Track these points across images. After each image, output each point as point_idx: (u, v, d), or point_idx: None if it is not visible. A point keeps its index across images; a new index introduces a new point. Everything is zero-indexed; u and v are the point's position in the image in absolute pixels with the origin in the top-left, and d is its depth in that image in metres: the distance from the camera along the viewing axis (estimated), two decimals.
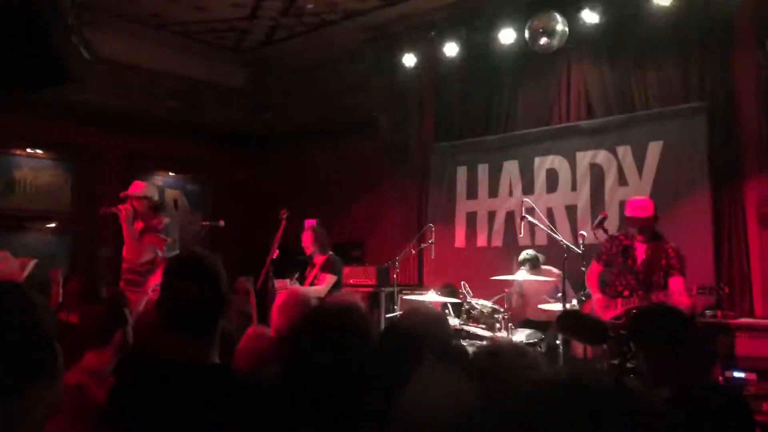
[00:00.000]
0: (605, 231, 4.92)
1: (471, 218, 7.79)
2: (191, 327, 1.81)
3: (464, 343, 5.44)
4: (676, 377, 2.39)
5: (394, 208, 8.40)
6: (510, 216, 7.32)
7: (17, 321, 1.16)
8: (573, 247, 5.23)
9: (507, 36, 6.84)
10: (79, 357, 2.85)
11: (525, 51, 6.82)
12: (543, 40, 6.48)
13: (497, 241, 7.51)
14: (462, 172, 7.90)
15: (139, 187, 5.96)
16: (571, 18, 6.46)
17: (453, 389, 1.60)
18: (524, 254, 6.13)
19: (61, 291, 4.31)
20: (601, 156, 6.78)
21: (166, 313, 1.86)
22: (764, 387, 4.97)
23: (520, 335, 5.66)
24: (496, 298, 6.07)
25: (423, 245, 6.89)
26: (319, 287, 5.90)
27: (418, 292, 6.56)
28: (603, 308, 4.86)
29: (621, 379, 0.76)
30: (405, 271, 7.78)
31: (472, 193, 7.81)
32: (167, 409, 1.70)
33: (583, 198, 6.87)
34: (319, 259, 6.18)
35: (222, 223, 6.51)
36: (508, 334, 5.50)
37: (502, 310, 5.75)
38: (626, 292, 4.76)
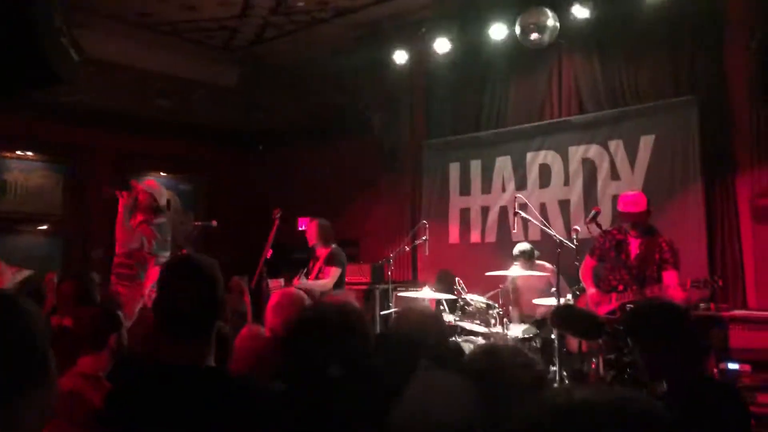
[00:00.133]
0: (598, 226, 4.93)
1: (464, 214, 7.80)
2: (188, 329, 1.81)
3: (459, 340, 5.46)
4: (673, 371, 2.40)
5: (388, 205, 8.39)
6: (503, 212, 7.33)
7: (6, 329, 1.14)
8: (566, 241, 5.24)
9: (498, 32, 6.84)
10: (74, 361, 2.83)
11: (516, 46, 6.81)
12: (534, 36, 6.49)
13: (491, 237, 7.52)
14: (455, 169, 7.90)
15: (151, 184, 5.96)
16: (562, 13, 6.46)
17: (451, 393, 1.60)
18: (518, 247, 6.14)
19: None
20: (594, 151, 6.80)
21: (163, 315, 1.86)
22: (759, 378, 5.00)
23: (515, 330, 5.67)
24: (490, 293, 6.08)
25: (417, 242, 6.89)
26: (324, 281, 5.94)
27: (412, 288, 6.57)
28: (597, 303, 4.87)
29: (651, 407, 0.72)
30: (399, 268, 7.78)
31: (465, 190, 7.81)
32: (164, 413, 1.70)
33: (575, 193, 6.88)
34: (322, 252, 6.19)
35: (214, 223, 6.48)
36: (503, 330, 5.51)
37: (496, 305, 5.77)
38: (620, 287, 4.77)
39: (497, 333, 5.48)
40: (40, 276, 4.61)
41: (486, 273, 6.09)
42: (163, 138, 8.96)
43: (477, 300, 5.82)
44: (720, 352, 5.12)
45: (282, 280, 6.00)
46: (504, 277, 6.12)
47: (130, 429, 1.77)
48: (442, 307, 6.00)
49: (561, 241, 5.20)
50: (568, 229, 6.32)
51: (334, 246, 6.22)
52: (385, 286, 6.93)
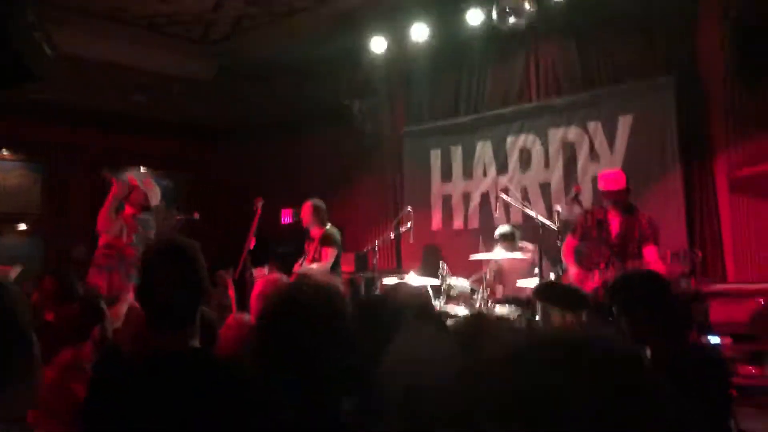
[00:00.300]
0: (580, 205, 4.97)
1: (447, 201, 7.82)
2: (172, 314, 1.78)
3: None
4: (656, 339, 2.44)
5: (370, 193, 8.40)
6: (485, 197, 7.37)
7: None
8: (548, 223, 5.27)
9: (475, 16, 6.84)
10: (56, 354, 2.81)
11: (493, 31, 6.82)
12: (511, 20, 6.49)
13: (474, 223, 7.55)
14: (435, 155, 7.92)
15: (148, 184, 5.93)
16: None
17: (434, 343, 1.61)
18: (499, 230, 6.18)
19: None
20: (573, 133, 6.84)
21: (146, 300, 1.83)
22: (739, 350, 5.08)
23: (499, 312, 5.70)
24: (474, 277, 6.11)
25: (401, 229, 6.91)
26: (322, 263, 5.95)
27: (397, 276, 6.58)
28: (580, 281, 4.91)
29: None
30: (383, 256, 7.80)
31: (446, 176, 7.83)
32: (148, 398, 1.67)
33: (556, 175, 6.93)
34: (317, 233, 6.19)
35: (197, 215, 6.45)
36: (487, 312, 5.54)
37: (480, 289, 5.80)
38: (602, 264, 4.82)
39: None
40: (29, 272, 4.58)
41: (470, 257, 6.13)
42: (142, 134, 8.89)
43: (461, 284, 5.85)
44: (701, 326, 5.19)
45: (266, 269, 5.99)
46: (487, 261, 6.15)
47: (114, 416, 1.74)
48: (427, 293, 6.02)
49: (543, 223, 5.23)
50: (550, 212, 6.35)
51: (329, 226, 6.22)
52: (370, 275, 6.94)
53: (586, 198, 6.12)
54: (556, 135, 6.96)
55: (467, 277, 6.10)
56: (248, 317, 3.20)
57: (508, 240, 6.06)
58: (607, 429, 0.61)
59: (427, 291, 2.70)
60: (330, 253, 6.04)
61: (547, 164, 7.01)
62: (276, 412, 1.52)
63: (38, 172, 8.35)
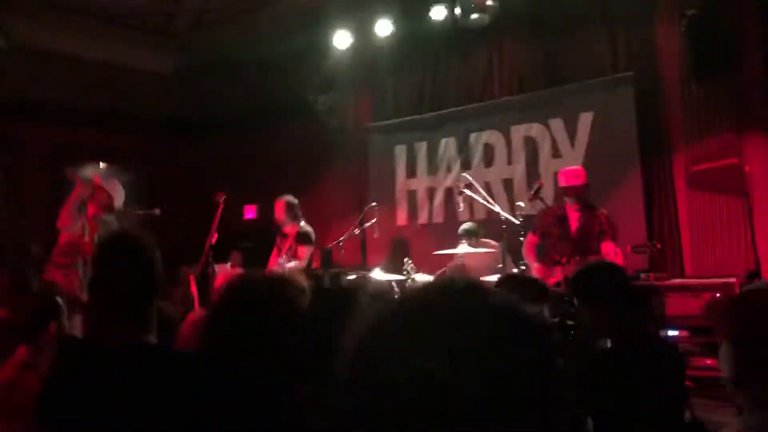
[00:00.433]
0: (542, 200, 5.04)
1: (411, 196, 7.85)
2: (125, 307, 1.76)
3: None
4: (616, 328, 2.49)
5: (335, 189, 8.37)
6: (449, 192, 7.40)
7: None
8: (511, 218, 5.33)
9: (438, 12, 6.87)
10: (12, 352, 2.74)
11: (457, 27, 6.85)
12: (474, 16, 6.53)
13: (438, 218, 7.60)
14: (400, 151, 7.93)
15: (112, 184, 5.85)
16: None
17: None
18: (463, 227, 6.22)
19: None
20: (535, 129, 6.92)
21: (99, 293, 1.80)
22: (695, 342, 5.21)
23: None
24: (438, 272, 6.14)
25: (366, 225, 6.90)
26: (299, 262, 6.02)
27: (363, 272, 6.57)
28: (543, 277, 4.99)
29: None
30: (349, 252, 7.77)
31: (411, 172, 7.86)
32: (102, 392, 1.65)
33: (519, 171, 7.00)
34: (291, 230, 6.22)
35: (157, 211, 6.35)
36: None
37: None
38: (563, 260, 4.90)
39: None
40: None
41: (434, 252, 6.16)
42: (101, 128, 8.69)
43: (425, 279, 5.87)
44: (658, 320, 5.30)
45: (228, 265, 5.95)
46: (452, 256, 6.19)
47: (69, 411, 1.71)
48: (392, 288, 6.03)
49: (506, 218, 5.29)
50: (513, 207, 6.42)
51: (302, 223, 6.26)
52: (335, 270, 6.90)
53: (548, 193, 6.19)
54: (518, 131, 7.03)
55: (432, 272, 6.12)
56: None
57: (472, 236, 6.11)
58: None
59: (391, 286, 2.71)
60: (306, 252, 6.13)
61: (509, 160, 7.08)
62: (226, 402, 1.51)
63: None
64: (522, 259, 5.42)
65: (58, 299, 2.87)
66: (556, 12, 6.64)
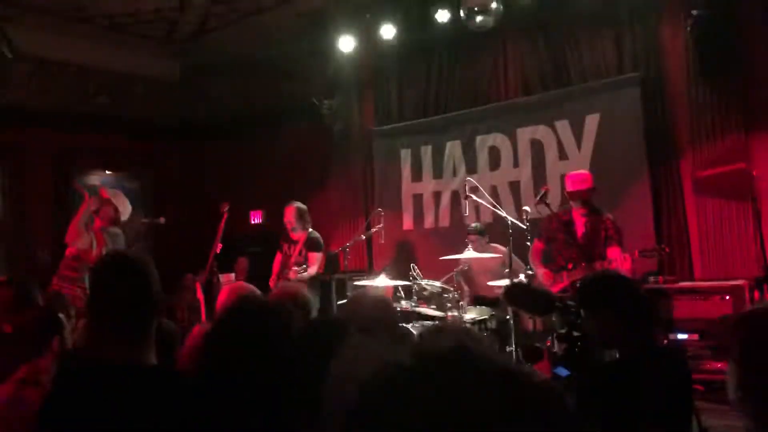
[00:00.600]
0: (547, 206, 4.99)
1: (417, 200, 7.81)
2: (122, 327, 1.75)
3: (417, 325, 5.46)
4: (623, 339, 2.45)
5: (340, 194, 8.35)
6: (455, 196, 7.37)
7: None
8: (517, 222, 5.30)
9: (442, 16, 6.84)
10: (15, 367, 2.73)
11: (461, 30, 6.82)
12: (478, 18, 6.49)
13: (444, 222, 7.56)
14: (406, 155, 7.90)
15: (118, 197, 5.92)
16: None
17: (380, 355, 1.57)
18: (473, 225, 6.22)
19: None
20: (541, 131, 6.87)
21: (97, 314, 1.80)
22: (705, 346, 5.16)
23: (471, 313, 5.71)
24: (445, 277, 6.11)
25: (372, 230, 6.88)
26: (313, 269, 6.14)
27: (368, 277, 6.55)
28: (550, 283, 4.96)
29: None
30: (355, 257, 7.76)
31: (416, 175, 7.83)
32: (101, 413, 1.66)
33: (525, 174, 6.96)
34: (300, 236, 6.27)
35: (162, 220, 6.37)
36: (458, 313, 5.54)
37: (452, 289, 5.79)
38: (570, 265, 4.86)
39: (453, 316, 5.50)
40: None
41: (440, 258, 6.13)
42: (106, 135, 8.71)
43: (432, 284, 5.84)
44: (666, 323, 5.26)
45: (233, 275, 5.96)
46: (458, 261, 6.16)
47: (68, 429, 1.72)
48: (398, 294, 6.01)
49: (512, 222, 5.25)
50: (519, 211, 6.38)
51: (311, 230, 6.34)
52: (341, 276, 6.90)
53: (555, 197, 6.14)
54: (524, 134, 6.99)
55: (438, 276, 6.09)
56: None
57: (479, 234, 6.08)
58: None
59: (389, 301, 2.67)
60: (317, 258, 6.22)
61: (516, 163, 7.04)
62: (219, 426, 1.50)
63: None
64: (528, 264, 5.38)
65: (61, 315, 2.86)
66: (561, 13, 6.59)
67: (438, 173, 7.64)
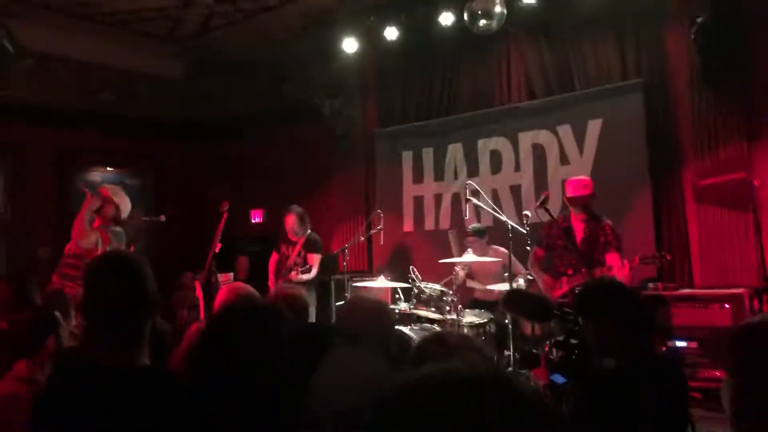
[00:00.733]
0: (547, 211, 4.98)
1: (418, 202, 7.80)
2: (116, 328, 1.75)
3: (415, 328, 5.45)
4: (620, 347, 2.44)
5: (341, 194, 8.35)
6: (456, 198, 7.36)
7: None
8: (517, 227, 5.29)
9: (446, 19, 6.84)
10: (10, 365, 2.73)
11: (464, 33, 6.81)
12: (482, 22, 6.48)
13: (445, 224, 7.55)
14: (407, 157, 7.89)
15: (120, 197, 5.92)
16: None
17: (363, 365, 1.57)
18: (473, 226, 6.22)
19: None
20: (543, 136, 6.86)
21: (91, 315, 1.79)
22: (704, 354, 5.14)
23: (470, 316, 5.70)
24: (445, 280, 6.09)
25: (372, 231, 6.86)
26: (314, 270, 6.28)
27: (368, 278, 6.54)
28: (550, 289, 4.96)
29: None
30: (354, 258, 7.76)
31: (418, 178, 7.82)
32: (94, 414, 1.66)
33: (526, 178, 6.94)
34: (300, 237, 6.41)
35: (163, 218, 6.37)
36: (457, 316, 5.52)
37: (450, 292, 5.77)
38: (569, 271, 4.86)
39: (452, 319, 5.49)
40: None
41: (440, 261, 6.12)
42: (108, 132, 8.71)
43: (431, 287, 5.82)
44: (665, 330, 5.24)
45: (231, 275, 5.97)
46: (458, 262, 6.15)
47: (60, 429, 1.72)
48: (397, 296, 5.99)
49: (512, 226, 5.24)
50: (520, 215, 6.37)
51: (310, 231, 6.46)
52: (340, 277, 6.89)
53: (556, 202, 6.13)
54: (526, 138, 6.98)
55: (438, 278, 6.07)
56: None
57: (479, 236, 6.07)
58: None
59: (385, 307, 2.66)
60: (317, 259, 6.35)
61: (517, 167, 7.03)
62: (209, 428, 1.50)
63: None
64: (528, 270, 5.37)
65: (57, 313, 2.86)
66: (565, 18, 6.58)
67: (439, 176, 7.63)
